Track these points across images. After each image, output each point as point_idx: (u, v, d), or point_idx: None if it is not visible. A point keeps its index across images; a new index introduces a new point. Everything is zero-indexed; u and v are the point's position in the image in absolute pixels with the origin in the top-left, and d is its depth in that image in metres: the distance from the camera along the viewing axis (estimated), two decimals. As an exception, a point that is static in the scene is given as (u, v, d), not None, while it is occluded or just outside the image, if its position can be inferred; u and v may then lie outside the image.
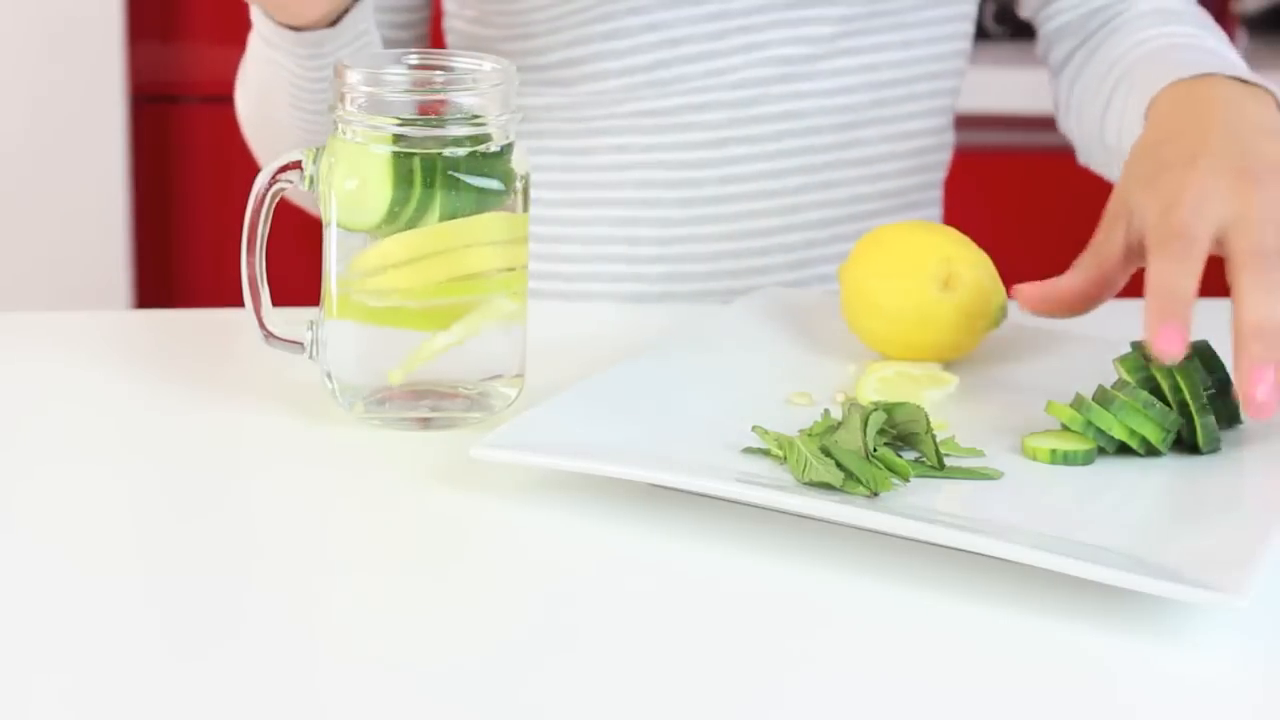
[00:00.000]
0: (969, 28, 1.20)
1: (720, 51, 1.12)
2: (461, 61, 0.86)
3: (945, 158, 1.22)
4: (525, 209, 0.86)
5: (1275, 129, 0.90)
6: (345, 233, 0.84)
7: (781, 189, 1.15)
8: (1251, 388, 0.78)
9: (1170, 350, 0.78)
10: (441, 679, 0.64)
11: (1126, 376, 0.83)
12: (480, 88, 0.84)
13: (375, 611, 0.68)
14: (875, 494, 0.77)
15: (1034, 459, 0.82)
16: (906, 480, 0.78)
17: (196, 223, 2.18)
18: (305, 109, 1.05)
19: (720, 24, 1.12)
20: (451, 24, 1.20)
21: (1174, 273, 0.80)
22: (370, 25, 1.01)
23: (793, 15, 1.12)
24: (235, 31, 2.18)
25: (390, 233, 0.84)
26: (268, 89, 1.07)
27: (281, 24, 0.99)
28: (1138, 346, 0.84)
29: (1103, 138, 1.10)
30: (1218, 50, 1.06)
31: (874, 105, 1.15)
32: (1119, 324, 1.06)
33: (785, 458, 0.80)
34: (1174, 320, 0.79)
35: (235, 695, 0.62)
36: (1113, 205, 0.88)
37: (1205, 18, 1.13)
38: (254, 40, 1.06)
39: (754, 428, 0.83)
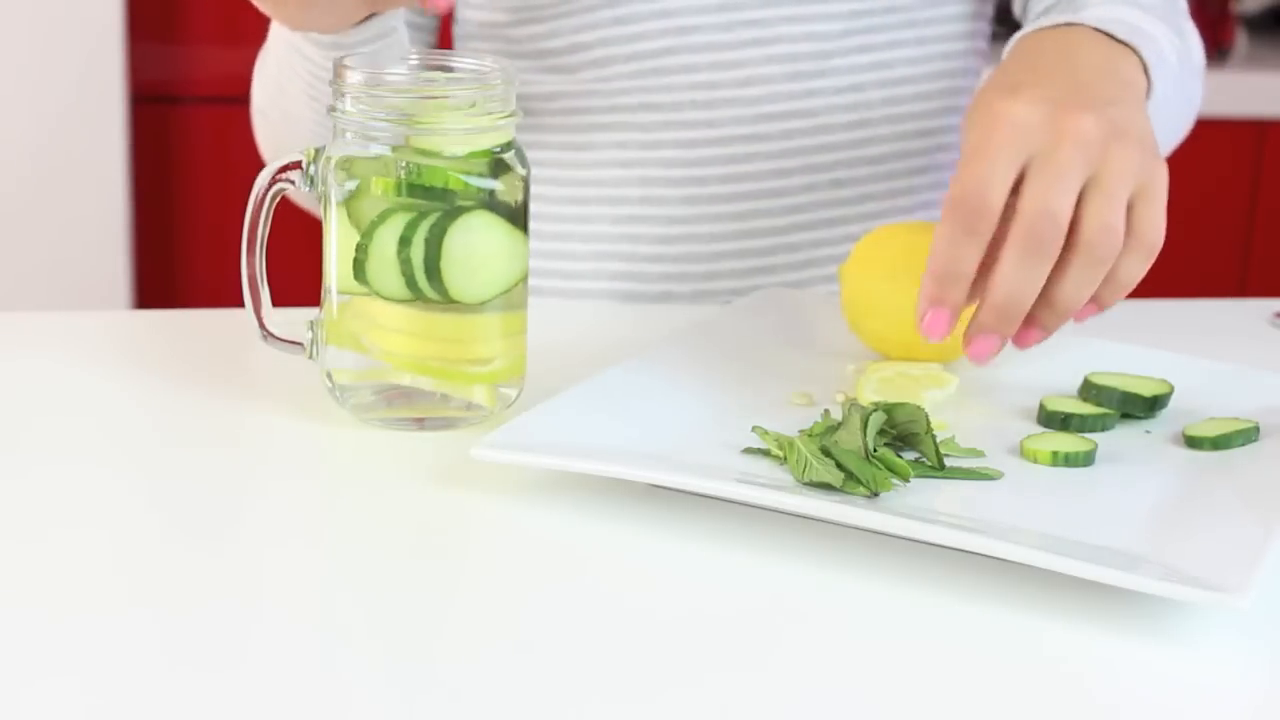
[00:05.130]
0: (984, 27, 1.20)
1: (729, 44, 1.12)
2: (462, 62, 0.86)
3: (959, 158, 1.21)
4: (525, 212, 0.86)
5: (1119, 74, 0.85)
6: (345, 233, 0.84)
7: (788, 188, 1.14)
8: (968, 346, 0.78)
9: (936, 335, 0.77)
10: (440, 678, 0.64)
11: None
12: (481, 88, 0.84)
13: (375, 611, 0.68)
14: (875, 494, 0.77)
15: (1034, 461, 0.82)
16: (906, 480, 0.78)
17: (196, 223, 2.18)
18: (322, 101, 1.03)
19: (730, 15, 1.12)
20: (461, 13, 1.20)
21: (951, 245, 0.76)
22: (399, 24, 0.98)
23: (803, 10, 1.12)
24: (235, 32, 2.19)
25: (388, 231, 0.84)
26: (286, 79, 1.05)
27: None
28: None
29: None
30: (1131, 26, 0.95)
31: (885, 104, 1.15)
32: (1122, 323, 1.06)
33: (785, 458, 0.80)
34: (943, 308, 0.77)
35: (233, 692, 0.62)
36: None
37: (1172, 8, 1.06)
38: (275, 30, 1.04)
39: (754, 428, 0.83)
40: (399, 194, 0.82)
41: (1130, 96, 0.83)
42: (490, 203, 0.84)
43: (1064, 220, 0.74)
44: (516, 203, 0.85)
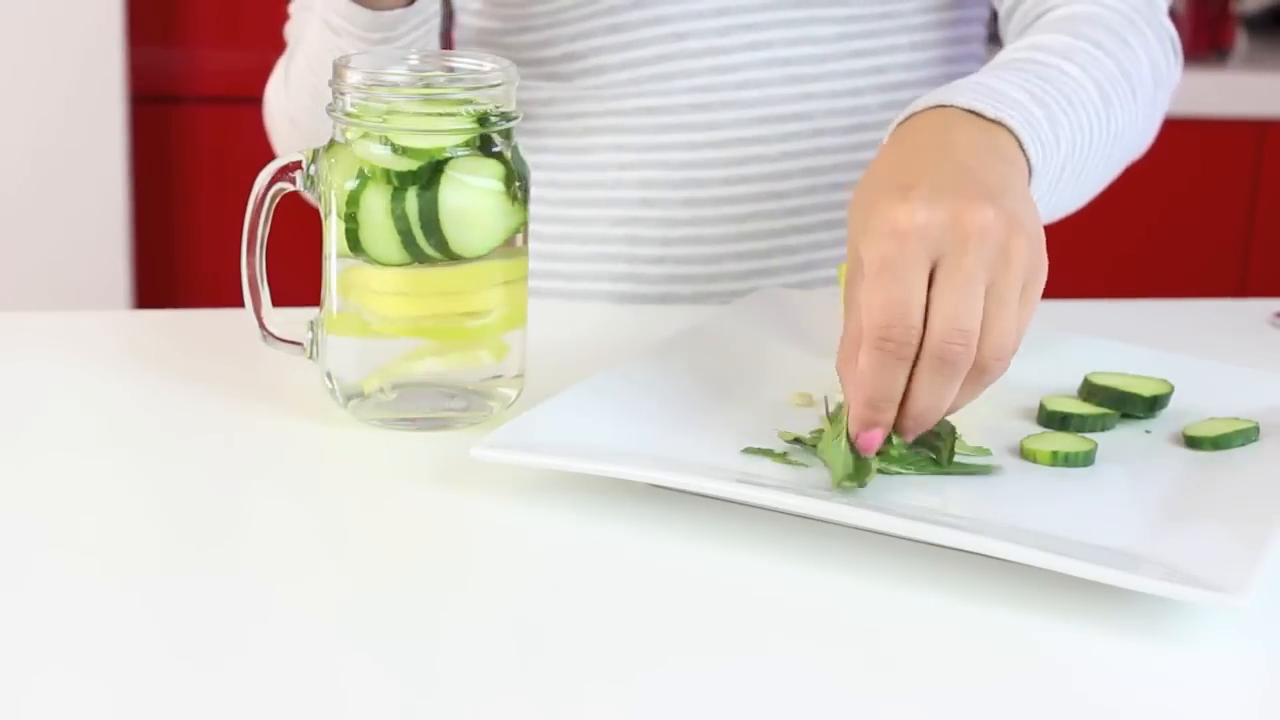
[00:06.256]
0: (981, 31, 1.20)
1: (724, 48, 1.12)
2: (462, 62, 0.86)
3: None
4: (524, 204, 0.86)
5: (999, 153, 0.83)
6: (344, 233, 0.84)
7: (787, 191, 1.15)
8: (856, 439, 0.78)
9: (870, 450, 0.77)
10: (440, 677, 0.64)
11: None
12: (480, 88, 0.84)
13: (375, 610, 0.68)
14: (861, 484, 0.77)
15: (1034, 461, 0.83)
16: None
17: (197, 223, 2.18)
18: None
19: (724, 20, 1.12)
20: (460, 19, 1.20)
21: (882, 372, 0.76)
22: (438, 9, 1.01)
23: (798, 15, 1.12)
24: (235, 32, 2.18)
25: (389, 230, 0.84)
26: (324, 81, 1.03)
27: (359, 3, 1.01)
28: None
29: None
30: (1042, 69, 0.94)
31: (883, 108, 1.15)
32: (1122, 323, 1.06)
33: (821, 454, 0.80)
34: (876, 428, 0.77)
35: (234, 690, 0.62)
36: (850, 260, 0.80)
37: (1148, 5, 1.03)
38: (313, 32, 1.06)
39: (779, 433, 0.83)
40: (389, 182, 0.83)
41: (1014, 178, 0.82)
42: (477, 148, 0.84)
43: (975, 337, 0.76)
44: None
